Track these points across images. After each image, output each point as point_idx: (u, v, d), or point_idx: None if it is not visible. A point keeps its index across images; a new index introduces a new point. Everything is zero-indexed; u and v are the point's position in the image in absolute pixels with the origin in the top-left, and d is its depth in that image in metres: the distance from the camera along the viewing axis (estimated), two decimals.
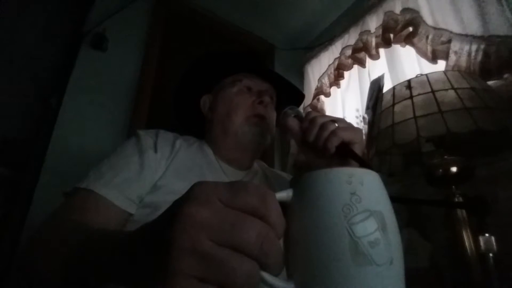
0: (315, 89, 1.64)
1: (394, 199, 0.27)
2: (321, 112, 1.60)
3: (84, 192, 0.50)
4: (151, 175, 0.56)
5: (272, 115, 0.71)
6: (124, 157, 0.57)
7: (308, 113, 0.57)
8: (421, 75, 0.86)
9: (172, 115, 0.81)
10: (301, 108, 1.66)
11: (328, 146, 0.50)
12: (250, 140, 0.67)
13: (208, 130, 0.73)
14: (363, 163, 0.48)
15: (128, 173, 0.54)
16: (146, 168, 0.56)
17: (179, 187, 0.53)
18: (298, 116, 0.60)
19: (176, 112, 0.80)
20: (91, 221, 0.46)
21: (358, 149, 0.51)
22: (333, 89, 1.58)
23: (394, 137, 0.80)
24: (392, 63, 1.27)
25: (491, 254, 0.68)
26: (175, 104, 0.79)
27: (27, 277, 0.41)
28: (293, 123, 0.58)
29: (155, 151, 0.59)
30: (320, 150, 0.52)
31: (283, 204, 0.24)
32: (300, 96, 0.83)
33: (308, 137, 0.53)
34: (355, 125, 1.38)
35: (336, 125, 0.52)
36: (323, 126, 0.52)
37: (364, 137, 1.30)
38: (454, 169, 0.78)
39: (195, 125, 0.78)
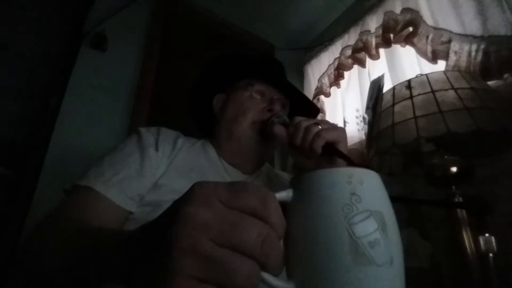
0: (315, 89, 1.64)
1: (394, 199, 0.27)
2: (321, 112, 1.60)
3: (84, 190, 0.50)
4: (152, 174, 0.56)
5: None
6: (124, 155, 0.56)
7: (293, 119, 0.59)
8: (421, 75, 0.86)
9: (173, 111, 0.80)
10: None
11: (314, 147, 0.52)
12: (252, 148, 0.66)
13: (215, 130, 0.73)
14: (349, 160, 0.50)
15: (128, 171, 0.53)
16: (147, 166, 0.55)
17: (180, 186, 0.52)
18: (284, 123, 0.62)
19: (190, 109, 0.80)
20: (90, 220, 0.46)
21: (343, 147, 0.53)
22: (333, 89, 1.58)
23: (394, 137, 0.80)
24: (392, 63, 1.27)
25: (491, 254, 0.68)
26: (189, 100, 0.79)
27: (27, 275, 0.41)
28: (279, 130, 0.60)
29: (156, 149, 0.59)
30: (307, 152, 0.54)
31: (283, 204, 0.24)
32: (314, 111, 0.82)
33: (295, 141, 0.56)
34: (356, 125, 1.40)
35: (320, 127, 0.54)
36: (307, 129, 0.54)
37: (364, 136, 1.30)
38: (454, 169, 0.79)
39: (206, 123, 0.77)
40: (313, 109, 0.81)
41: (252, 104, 0.68)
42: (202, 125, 0.79)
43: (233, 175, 0.66)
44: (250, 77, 0.72)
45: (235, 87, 0.73)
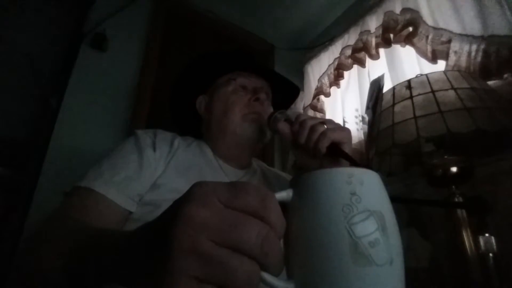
0: (315, 89, 1.64)
1: (394, 199, 0.27)
2: (321, 112, 1.60)
3: (83, 191, 0.50)
4: (151, 174, 0.56)
5: (269, 112, 0.71)
6: (123, 156, 0.57)
7: (297, 116, 0.58)
8: (421, 75, 0.86)
9: (171, 117, 0.81)
10: (300, 106, 1.67)
11: (319, 147, 0.52)
12: (249, 137, 0.67)
13: (205, 130, 0.73)
14: (353, 162, 0.49)
15: (127, 172, 0.54)
16: (145, 167, 0.56)
17: (179, 185, 0.53)
18: (288, 119, 0.61)
19: (173, 114, 0.80)
20: (91, 220, 0.46)
21: (347, 148, 0.53)
22: (333, 89, 1.58)
23: (394, 137, 0.80)
24: (392, 63, 1.27)
25: (491, 254, 0.68)
26: (172, 106, 0.79)
27: (27, 277, 0.41)
28: (283, 127, 0.60)
29: (154, 150, 0.59)
30: (311, 151, 0.53)
31: (283, 204, 0.24)
32: (295, 91, 0.83)
33: (299, 139, 0.55)
34: (355, 125, 1.40)
35: (325, 126, 0.54)
36: (312, 128, 0.54)
37: (363, 136, 1.30)
38: (454, 169, 0.78)
39: (192, 125, 0.78)
40: (293, 90, 0.82)
41: (238, 97, 0.68)
42: (188, 128, 0.79)
43: (229, 172, 0.67)
44: (228, 72, 0.73)
45: (216, 86, 0.73)
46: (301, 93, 0.79)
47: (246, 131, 0.66)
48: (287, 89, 0.80)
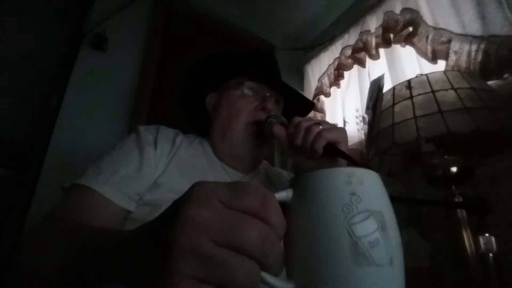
0: (315, 89, 1.64)
1: (394, 199, 0.27)
2: (321, 112, 1.60)
3: (82, 189, 0.49)
4: (151, 172, 0.56)
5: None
6: (123, 154, 0.56)
7: (292, 119, 0.58)
8: (421, 75, 0.86)
9: (173, 111, 0.80)
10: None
11: (315, 147, 0.51)
12: (245, 150, 0.66)
13: (210, 128, 0.72)
14: (351, 160, 0.49)
15: (127, 170, 0.53)
16: (146, 165, 0.55)
17: (180, 185, 0.52)
18: (283, 123, 0.61)
19: (182, 107, 0.79)
20: (89, 219, 0.45)
21: (344, 147, 0.52)
22: (333, 89, 1.58)
23: (394, 137, 0.80)
24: (392, 63, 1.27)
25: (491, 254, 0.68)
26: (181, 99, 0.78)
27: (26, 277, 0.41)
28: (279, 130, 0.59)
29: (155, 147, 0.58)
30: (308, 153, 0.53)
31: (283, 204, 0.24)
32: (308, 105, 0.82)
33: (295, 141, 0.55)
34: (356, 125, 1.40)
35: (321, 127, 0.53)
36: (308, 130, 0.53)
37: (364, 136, 1.30)
38: (454, 169, 0.79)
39: (200, 120, 0.76)
40: (307, 104, 0.81)
41: (244, 103, 0.67)
42: (196, 123, 0.78)
43: (231, 173, 0.66)
44: (241, 75, 0.71)
45: (226, 86, 0.72)
46: (301, 93, 0.78)
47: (243, 143, 0.65)
48: (299, 102, 0.78)
